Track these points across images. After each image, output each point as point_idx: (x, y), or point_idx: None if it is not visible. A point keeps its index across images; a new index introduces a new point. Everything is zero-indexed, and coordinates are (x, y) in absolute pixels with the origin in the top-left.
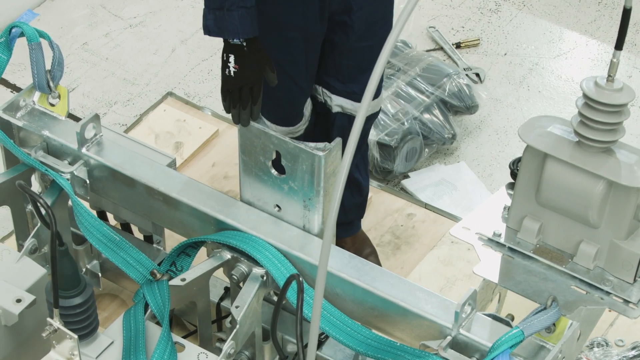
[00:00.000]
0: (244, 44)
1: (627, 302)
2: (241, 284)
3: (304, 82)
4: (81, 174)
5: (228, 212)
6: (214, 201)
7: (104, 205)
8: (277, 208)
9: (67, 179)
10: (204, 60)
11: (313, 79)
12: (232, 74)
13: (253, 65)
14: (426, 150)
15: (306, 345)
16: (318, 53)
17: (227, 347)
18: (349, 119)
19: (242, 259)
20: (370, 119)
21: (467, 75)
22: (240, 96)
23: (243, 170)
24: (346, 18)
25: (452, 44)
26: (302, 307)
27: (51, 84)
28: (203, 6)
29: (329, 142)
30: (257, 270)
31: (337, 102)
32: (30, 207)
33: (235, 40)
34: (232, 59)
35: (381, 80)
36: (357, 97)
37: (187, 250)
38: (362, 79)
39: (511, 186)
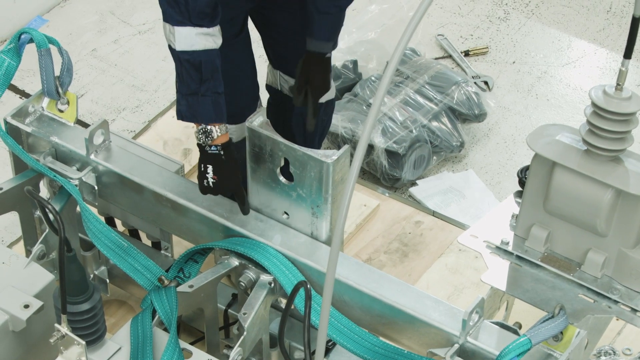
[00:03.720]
0: (222, 152)
1: (634, 310)
2: (249, 291)
3: (244, 63)
4: (89, 180)
5: (236, 218)
6: (222, 208)
7: (112, 211)
8: (285, 215)
9: (76, 185)
10: None
11: (252, 59)
12: (210, 184)
13: (231, 174)
14: (434, 158)
15: (313, 353)
16: (246, 29)
17: (235, 353)
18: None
19: (250, 265)
20: (329, 106)
21: (475, 83)
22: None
23: (251, 178)
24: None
25: (461, 52)
26: (310, 314)
27: (60, 90)
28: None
29: (289, 130)
30: (265, 277)
31: None
32: (38, 212)
33: (212, 148)
34: (210, 169)
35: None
36: None
37: (195, 257)
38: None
39: (519, 194)
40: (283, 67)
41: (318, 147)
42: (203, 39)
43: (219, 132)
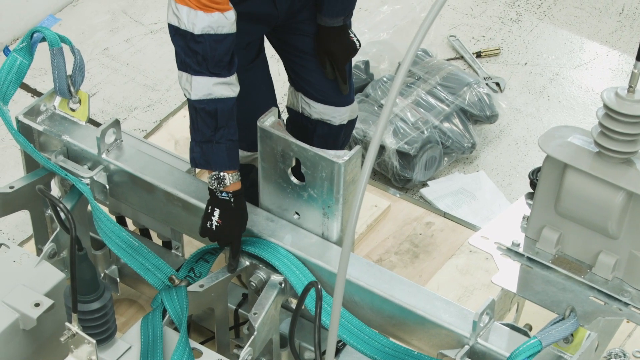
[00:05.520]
0: (232, 199)
1: None
2: (260, 291)
3: (262, 87)
4: (101, 179)
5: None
6: None
7: (123, 210)
8: (296, 215)
9: (87, 184)
10: None
11: (270, 81)
12: (213, 227)
13: (236, 223)
14: (445, 159)
15: (324, 353)
16: (263, 52)
17: (245, 353)
18: (329, 127)
19: (260, 265)
20: (350, 125)
21: (487, 84)
22: (218, 245)
23: (262, 178)
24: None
25: (473, 53)
26: (321, 314)
27: (72, 89)
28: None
29: None
30: (276, 278)
31: (317, 109)
32: (49, 211)
33: (223, 194)
34: (216, 213)
35: (351, 90)
36: (332, 100)
37: (206, 257)
38: (329, 82)
39: (530, 196)
40: (304, 90)
41: None
42: (221, 88)
43: (231, 179)
